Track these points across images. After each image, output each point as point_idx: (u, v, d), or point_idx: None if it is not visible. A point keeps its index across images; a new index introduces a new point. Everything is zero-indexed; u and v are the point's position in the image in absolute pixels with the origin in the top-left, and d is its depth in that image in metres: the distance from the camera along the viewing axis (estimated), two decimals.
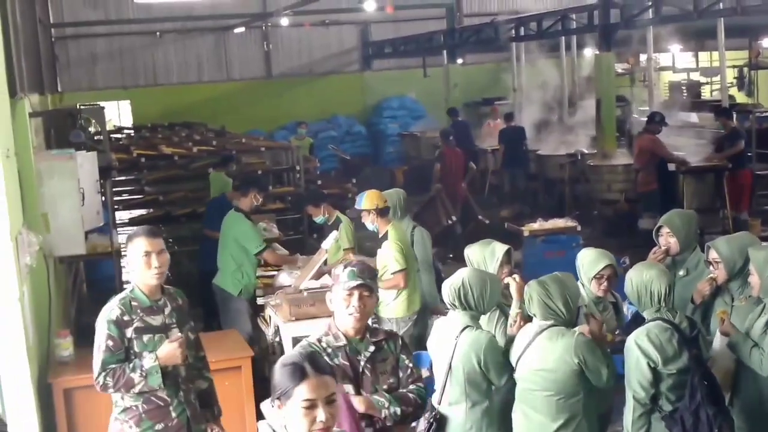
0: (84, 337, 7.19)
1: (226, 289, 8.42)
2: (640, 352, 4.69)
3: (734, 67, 22.85)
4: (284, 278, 8.04)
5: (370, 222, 7.38)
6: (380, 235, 7.36)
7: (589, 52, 18.53)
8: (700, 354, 4.80)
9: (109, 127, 14.70)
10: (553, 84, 18.71)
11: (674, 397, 4.72)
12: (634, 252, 8.37)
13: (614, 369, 4.81)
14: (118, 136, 17.28)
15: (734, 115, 14.80)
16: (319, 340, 4.10)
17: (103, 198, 9.02)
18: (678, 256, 5.86)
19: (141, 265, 4.74)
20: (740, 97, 22.73)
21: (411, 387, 4.16)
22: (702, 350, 4.87)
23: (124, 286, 9.10)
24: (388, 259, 7.23)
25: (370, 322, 4.27)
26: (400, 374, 4.18)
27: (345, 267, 4.15)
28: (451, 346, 4.82)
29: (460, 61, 22.04)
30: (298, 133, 17.88)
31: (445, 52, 21.34)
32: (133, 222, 11.88)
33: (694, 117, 17.62)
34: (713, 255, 5.37)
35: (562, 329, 4.71)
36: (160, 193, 12.17)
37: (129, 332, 4.72)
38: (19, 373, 5.45)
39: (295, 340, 7.23)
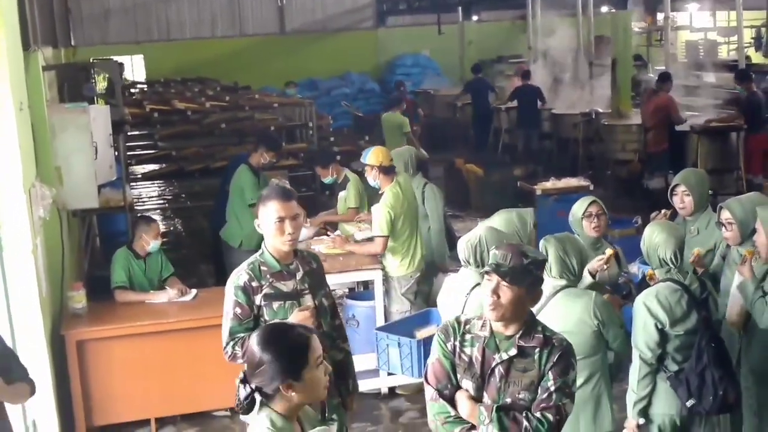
0: (96, 291, 7.28)
1: (228, 241, 8.51)
2: (648, 313, 4.69)
3: (752, 27, 22.58)
4: (303, 233, 8.06)
5: (372, 178, 7.33)
6: (380, 192, 7.36)
7: (606, 11, 18.34)
8: (709, 316, 4.80)
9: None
10: (569, 42, 18.54)
11: (681, 358, 4.73)
12: (647, 212, 8.36)
13: (627, 333, 4.81)
14: (132, 90, 17.27)
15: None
16: (467, 322, 3.66)
17: (116, 152, 9.03)
18: (690, 216, 5.86)
19: (273, 230, 4.44)
20: (757, 58, 22.48)
21: (536, 414, 3.53)
22: (711, 312, 4.88)
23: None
24: (373, 221, 7.25)
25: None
26: (539, 393, 3.56)
27: (495, 248, 3.68)
28: (461, 303, 4.82)
29: (475, 18, 21.86)
30: (288, 94, 17.67)
31: (460, 8, 21.15)
32: (146, 177, 11.92)
33: (710, 77, 17.46)
34: (726, 216, 5.32)
35: (577, 290, 4.71)
36: (173, 149, 12.18)
37: (258, 299, 4.46)
38: (33, 324, 5.51)
39: None
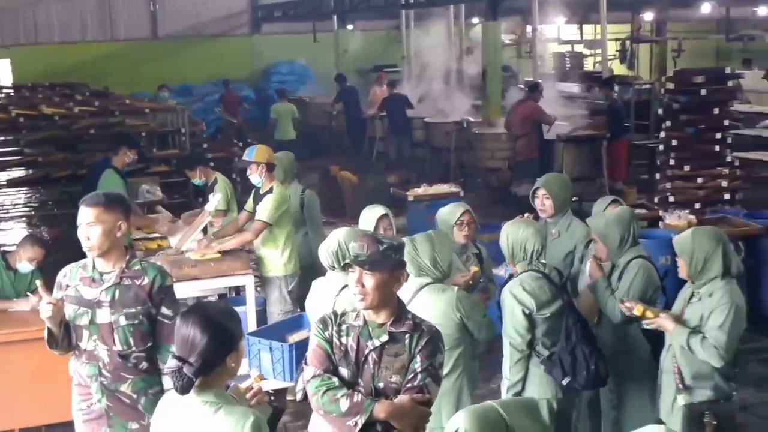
0: None
1: None
2: (515, 301, 4.89)
3: (617, 40, 23.41)
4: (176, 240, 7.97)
5: (258, 175, 7.30)
6: (263, 191, 7.33)
7: (477, 22, 18.73)
8: (571, 299, 5.06)
9: None
10: (441, 52, 18.86)
11: (550, 342, 4.95)
12: (515, 217, 8.59)
13: (491, 321, 4.97)
14: None
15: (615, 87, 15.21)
16: (343, 314, 3.82)
17: None
18: (551, 219, 6.08)
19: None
20: (622, 70, 23.33)
21: (403, 397, 3.65)
22: (572, 297, 5.15)
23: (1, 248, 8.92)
24: (260, 207, 7.22)
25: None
26: (407, 375, 3.69)
27: (352, 241, 3.83)
28: (331, 305, 4.88)
29: (350, 27, 22.01)
30: (160, 98, 17.50)
31: (335, 17, 21.27)
32: (10, 183, 11.55)
33: (576, 88, 18.05)
34: (592, 233, 5.55)
35: (442, 285, 4.83)
36: (40, 155, 11.83)
37: (63, 296, 4.35)
38: None
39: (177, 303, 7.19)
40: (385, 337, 3.71)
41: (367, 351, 3.72)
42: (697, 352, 4.67)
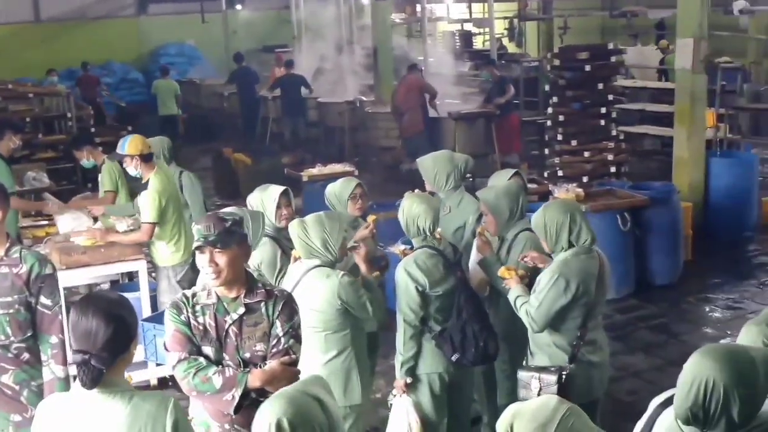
0: None
1: None
2: (408, 278, 4.95)
3: (505, 18, 23.70)
4: (66, 224, 7.77)
5: (134, 168, 7.13)
6: (144, 181, 7.17)
7: (367, 1, 18.75)
8: (464, 276, 5.15)
9: None
10: (332, 31, 18.83)
11: (442, 318, 5.03)
12: None
13: (380, 303, 5.01)
14: None
15: (503, 65, 15.44)
16: (194, 295, 3.86)
17: None
18: (442, 194, 6.15)
19: None
20: (511, 48, 23.67)
21: (272, 363, 3.77)
22: (465, 273, 5.23)
23: None
24: (142, 208, 7.08)
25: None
26: (270, 341, 3.81)
27: (194, 224, 3.86)
28: None
29: (239, 7, 21.75)
30: (48, 82, 17.08)
31: None
32: None
33: (466, 66, 18.26)
34: (482, 206, 5.61)
35: (327, 270, 4.79)
36: None
37: None
38: None
39: (68, 291, 7.05)
40: (242, 310, 3.81)
41: (226, 326, 3.80)
42: (518, 313, 4.88)
